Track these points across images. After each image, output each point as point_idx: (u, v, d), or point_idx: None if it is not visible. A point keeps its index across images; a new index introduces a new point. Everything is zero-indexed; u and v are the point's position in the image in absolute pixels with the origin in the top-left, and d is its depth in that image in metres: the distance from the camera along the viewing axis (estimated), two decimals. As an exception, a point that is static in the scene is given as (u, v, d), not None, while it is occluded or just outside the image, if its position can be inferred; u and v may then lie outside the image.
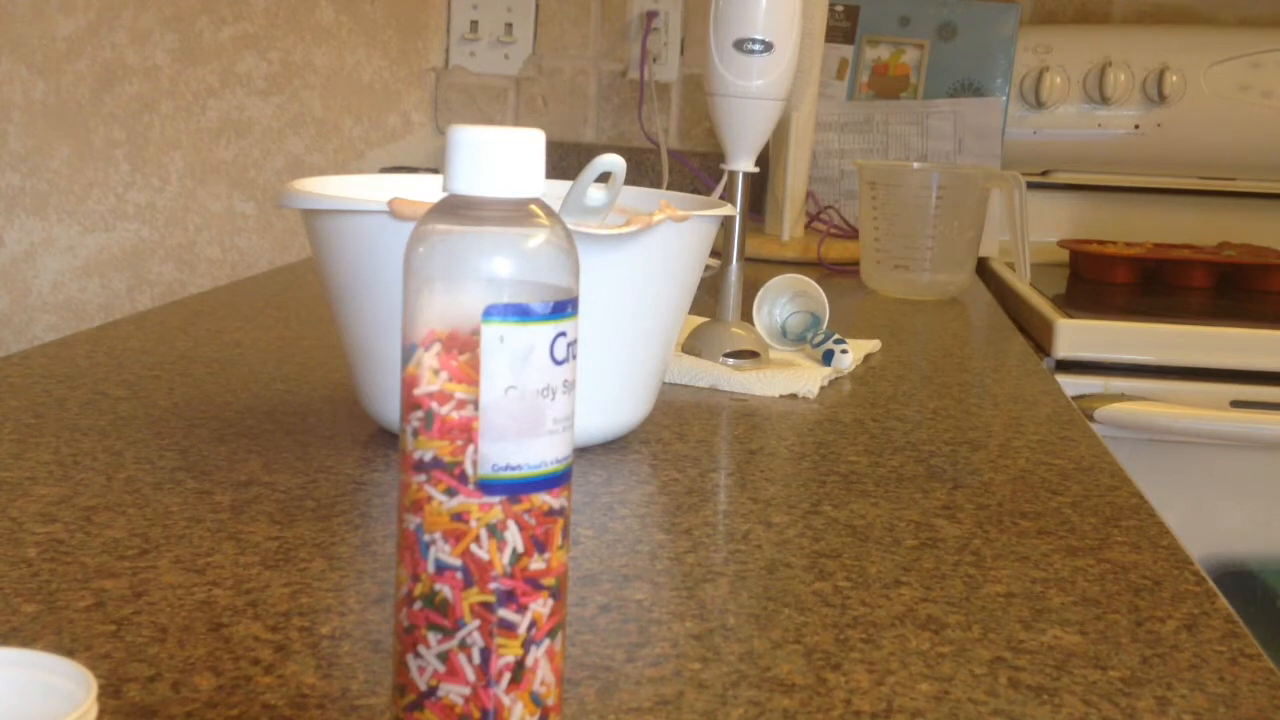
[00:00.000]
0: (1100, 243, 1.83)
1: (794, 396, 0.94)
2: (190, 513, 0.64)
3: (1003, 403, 0.96)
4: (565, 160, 2.09)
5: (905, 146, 1.84)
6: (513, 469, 0.38)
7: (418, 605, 0.38)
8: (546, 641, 0.39)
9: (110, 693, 0.45)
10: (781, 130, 1.65)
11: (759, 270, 1.51)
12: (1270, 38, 1.85)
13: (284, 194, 0.74)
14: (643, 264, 0.75)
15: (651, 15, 1.98)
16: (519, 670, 0.38)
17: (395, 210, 0.69)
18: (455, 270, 0.38)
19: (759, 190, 1.82)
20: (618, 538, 0.64)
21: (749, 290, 1.05)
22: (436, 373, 0.38)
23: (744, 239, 1.01)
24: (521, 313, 0.37)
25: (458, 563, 0.38)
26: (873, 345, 1.12)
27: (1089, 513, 0.71)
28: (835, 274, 1.59)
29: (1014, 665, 0.51)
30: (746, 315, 1.05)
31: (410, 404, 0.38)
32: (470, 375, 0.37)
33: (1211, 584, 0.61)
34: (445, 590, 0.38)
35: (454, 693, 0.38)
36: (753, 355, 1.00)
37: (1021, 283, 1.66)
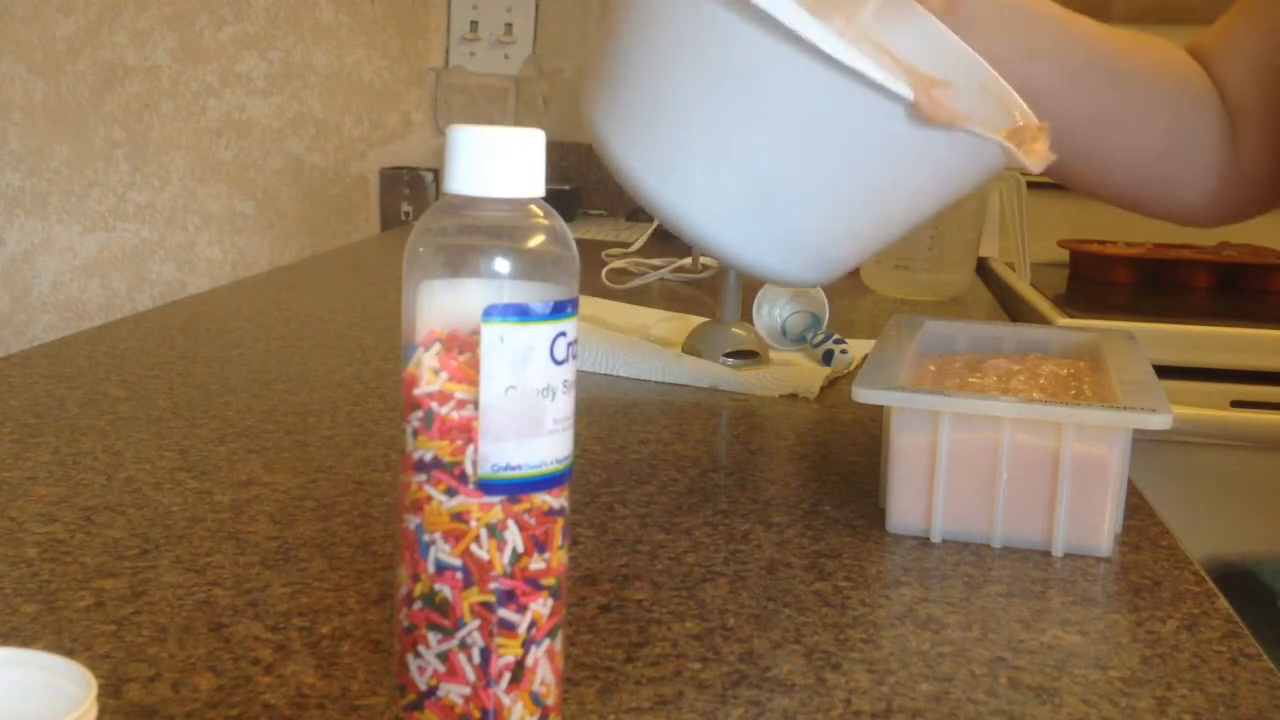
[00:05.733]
0: (1100, 243, 1.83)
1: (794, 396, 0.94)
2: (190, 513, 0.64)
3: (1003, 403, 0.96)
4: (565, 160, 2.09)
5: (905, 146, 1.83)
6: (513, 469, 0.38)
7: (418, 605, 0.38)
8: (546, 641, 0.39)
9: (110, 693, 0.45)
10: (781, 130, 1.65)
11: (759, 270, 1.50)
12: (1270, 38, 1.85)
13: None
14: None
15: (651, 15, 1.98)
16: (519, 670, 0.38)
17: (924, 110, 0.57)
18: (455, 270, 0.38)
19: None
20: (618, 538, 0.64)
21: (749, 290, 1.04)
22: (436, 373, 0.38)
23: (744, 239, 1.01)
24: (521, 313, 0.37)
25: (458, 563, 0.38)
26: (872, 345, 1.11)
27: (1089, 513, 0.71)
28: (835, 274, 1.58)
29: (1014, 665, 0.51)
30: (746, 315, 1.05)
31: (410, 404, 0.38)
32: (470, 375, 0.37)
33: (1211, 584, 0.61)
34: (445, 590, 0.38)
35: (454, 692, 0.38)
36: (753, 355, 1.00)
37: (1021, 283, 1.66)
